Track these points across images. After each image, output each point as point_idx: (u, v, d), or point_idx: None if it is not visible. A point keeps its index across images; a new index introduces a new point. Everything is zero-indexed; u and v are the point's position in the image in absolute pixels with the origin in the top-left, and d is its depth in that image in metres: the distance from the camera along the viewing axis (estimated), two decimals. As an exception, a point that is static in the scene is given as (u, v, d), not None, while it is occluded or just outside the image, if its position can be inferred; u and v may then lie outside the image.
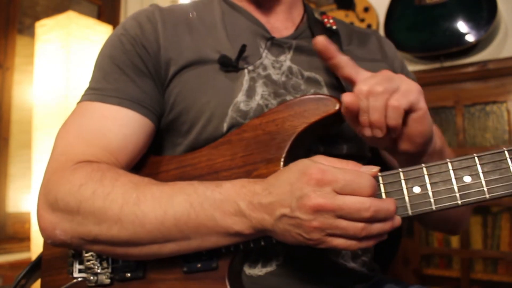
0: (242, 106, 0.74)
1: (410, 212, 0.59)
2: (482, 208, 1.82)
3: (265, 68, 0.78)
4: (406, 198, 0.60)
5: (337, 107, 0.67)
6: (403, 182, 0.60)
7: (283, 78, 0.78)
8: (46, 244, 0.81)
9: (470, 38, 1.71)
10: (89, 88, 0.77)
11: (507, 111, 1.80)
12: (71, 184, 0.65)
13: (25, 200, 2.12)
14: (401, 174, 0.60)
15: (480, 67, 1.79)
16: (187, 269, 0.67)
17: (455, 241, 1.85)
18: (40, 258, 0.82)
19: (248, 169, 0.69)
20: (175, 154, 0.78)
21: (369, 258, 0.82)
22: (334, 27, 0.88)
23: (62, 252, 0.77)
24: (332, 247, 0.55)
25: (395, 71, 0.90)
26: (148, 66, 0.76)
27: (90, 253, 0.73)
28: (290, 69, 0.80)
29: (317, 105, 0.68)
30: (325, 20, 0.89)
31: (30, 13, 2.29)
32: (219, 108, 0.73)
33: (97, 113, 0.73)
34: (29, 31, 2.21)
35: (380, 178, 0.61)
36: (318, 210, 0.53)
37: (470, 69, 1.82)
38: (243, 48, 0.75)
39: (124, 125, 0.72)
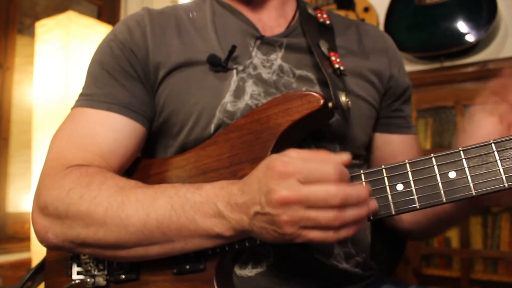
0: (229, 107, 0.74)
1: (393, 210, 0.57)
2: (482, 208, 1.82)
3: (255, 68, 0.78)
4: (389, 196, 0.58)
5: (321, 103, 0.65)
6: (385, 179, 0.58)
7: (274, 77, 0.78)
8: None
9: (470, 38, 1.71)
10: (81, 94, 0.79)
11: (507, 111, 1.80)
12: (61, 189, 0.66)
13: (25, 200, 2.12)
14: (384, 171, 0.58)
15: (480, 67, 1.80)
16: (176, 270, 0.67)
17: (455, 241, 1.85)
18: (44, 261, 0.83)
19: (234, 169, 0.68)
20: (166, 156, 0.79)
21: (363, 258, 0.81)
22: (328, 22, 0.87)
23: (63, 255, 0.78)
24: (309, 241, 0.54)
25: (392, 68, 0.89)
26: (137, 70, 0.77)
27: (87, 256, 0.74)
28: (281, 67, 0.79)
29: (301, 102, 0.66)
30: (318, 15, 0.88)
31: (30, 13, 2.29)
32: (207, 109, 0.74)
33: (87, 119, 0.74)
34: (29, 31, 2.21)
35: (362, 175, 0.59)
36: (285, 203, 0.52)
37: (470, 69, 1.82)
38: (232, 49, 0.75)
39: (114, 130, 0.74)
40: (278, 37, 0.82)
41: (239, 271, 0.71)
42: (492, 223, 1.80)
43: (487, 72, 1.79)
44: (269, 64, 0.79)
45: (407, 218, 0.88)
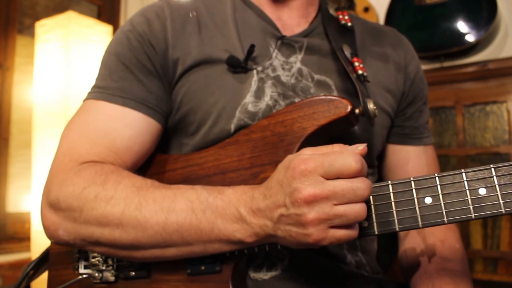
0: (251, 107, 0.73)
1: (420, 223, 0.56)
2: (482, 208, 1.82)
3: (274, 69, 0.77)
4: (417, 209, 0.57)
5: (348, 109, 0.64)
6: (414, 191, 0.57)
7: (293, 80, 0.77)
8: None
9: (470, 38, 1.71)
10: (94, 86, 0.76)
11: (507, 111, 1.80)
12: (75, 186, 0.64)
13: (25, 200, 2.12)
14: (413, 183, 0.58)
15: (480, 67, 1.80)
16: (190, 271, 0.67)
17: (455, 241, 1.85)
18: (48, 251, 0.82)
19: (255, 171, 0.67)
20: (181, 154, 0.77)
21: (372, 268, 0.81)
22: (349, 24, 0.85)
23: (68, 248, 0.77)
24: (335, 242, 0.53)
25: (408, 74, 0.87)
26: (155, 64, 0.74)
27: None
28: (300, 71, 0.78)
29: (327, 107, 0.65)
30: (340, 16, 0.86)
31: (30, 13, 2.29)
32: (227, 109, 0.72)
33: (102, 113, 0.72)
34: (29, 31, 2.21)
35: (390, 186, 0.58)
36: (311, 201, 0.51)
37: (470, 69, 1.82)
38: (251, 49, 0.73)
39: (129, 126, 0.71)
40: (298, 37, 0.81)
41: (253, 274, 0.70)
42: (492, 223, 1.80)
43: (487, 72, 1.79)
44: (288, 67, 0.78)
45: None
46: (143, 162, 0.76)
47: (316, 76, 0.78)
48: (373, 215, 0.58)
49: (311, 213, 0.51)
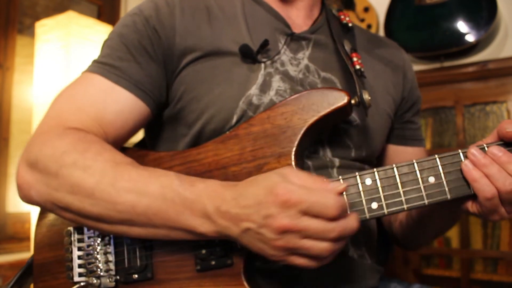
0: (254, 100, 0.74)
1: (426, 201, 0.62)
2: (482, 208, 1.82)
3: (283, 64, 0.78)
4: (422, 187, 0.63)
5: (346, 99, 0.67)
6: (418, 172, 0.63)
7: (301, 75, 0.78)
8: (37, 248, 0.78)
9: (470, 38, 1.71)
10: (94, 61, 0.77)
11: (507, 111, 1.80)
12: (55, 149, 0.65)
13: (25, 200, 2.12)
14: (416, 165, 0.64)
15: (480, 67, 1.79)
16: (200, 267, 0.66)
17: (455, 241, 1.85)
18: (30, 263, 0.79)
19: (258, 163, 0.68)
20: (178, 147, 0.78)
21: (374, 256, 0.84)
22: (350, 25, 0.89)
23: (58, 256, 0.75)
24: (293, 265, 0.57)
25: (408, 81, 0.93)
26: (157, 50, 0.75)
27: (91, 256, 0.72)
28: (307, 67, 0.80)
29: (326, 98, 0.68)
30: (342, 16, 0.90)
31: (30, 13, 2.29)
32: (231, 99, 0.73)
33: (94, 85, 0.73)
34: (29, 31, 2.21)
35: (395, 169, 0.64)
36: (283, 231, 0.54)
37: (470, 69, 1.82)
38: (265, 43, 0.75)
39: (117, 102, 0.73)
40: (306, 34, 0.83)
41: (262, 265, 0.70)
42: (492, 223, 1.80)
43: (487, 72, 1.79)
44: (296, 63, 0.79)
45: (398, 219, 0.91)
46: (125, 142, 0.77)
47: (323, 74, 0.80)
48: (382, 196, 0.63)
49: (279, 241, 0.55)
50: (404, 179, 0.63)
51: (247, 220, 0.56)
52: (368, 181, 0.63)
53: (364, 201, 0.63)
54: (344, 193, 0.63)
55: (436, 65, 1.87)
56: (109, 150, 0.66)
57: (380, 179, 0.63)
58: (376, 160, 0.89)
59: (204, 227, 0.60)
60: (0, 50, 2.13)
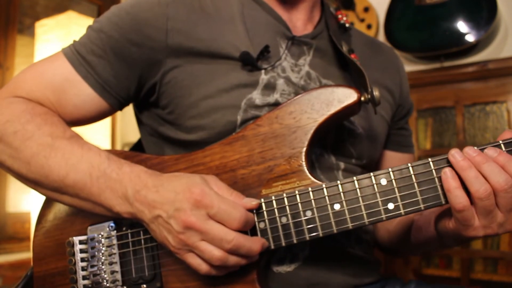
0: (258, 102, 0.73)
1: (443, 200, 0.60)
2: (482, 208, 1.82)
3: (284, 70, 0.77)
4: (438, 187, 0.60)
5: (356, 97, 0.66)
6: (434, 171, 0.61)
7: (302, 82, 0.77)
8: (36, 260, 0.75)
9: (470, 38, 1.71)
10: (73, 43, 0.78)
11: (507, 111, 1.80)
12: (1, 116, 0.70)
13: (25, 200, 2.12)
14: (431, 163, 0.61)
15: (480, 67, 1.79)
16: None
17: (455, 241, 1.85)
18: (30, 276, 0.77)
19: (268, 165, 0.66)
20: (179, 153, 0.75)
21: (372, 254, 0.85)
22: (347, 25, 0.88)
23: (60, 268, 0.72)
24: (186, 262, 0.61)
25: (404, 88, 0.93)
26: (135, 53, 0.73)
27: (96, 267, 0.70)
28: (308, 74, 0.79)
29: (336, 95, 0.67)
30: (339, 16, 0.89)
31: (30, 13, 2.29)
32: (232, 102, 0.72)
33: (63, 73, 0.75)
34: (29, 31, 2.21)
35: (411, 168, 0.61)
36: (188, 227, 0.58)
37: (470, 69, 1.82)
38: (265, 49, 0.74)
39: (80, 97, 0.75)
40: (307, 38, 0.81)
41: (276, 268, 0.70)
42: (492, 223, 1.80)
43: (487, 72, 1.79)
44: (297, 69, 0.78)
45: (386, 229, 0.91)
46: (74, 126, 0.79)
47: (324, 81, 0.80)
48: (398, 196, 0.61)
49: (181, 235, 0.59)
50: (421, 179, 0.61)
51: (160, 209, 0.60)
52: (384, 181, 0.62)
53: (380, 202, 0.61)
54: (360, 195, 0.61)
55: (436, 65, 1.87)
56: (51, 124, 0.70)
57: (395, 179, 0.61)
58: (375, 165, 0.90)
59: (120, 207, 0.64)
60: (0, 50, 2.13)
